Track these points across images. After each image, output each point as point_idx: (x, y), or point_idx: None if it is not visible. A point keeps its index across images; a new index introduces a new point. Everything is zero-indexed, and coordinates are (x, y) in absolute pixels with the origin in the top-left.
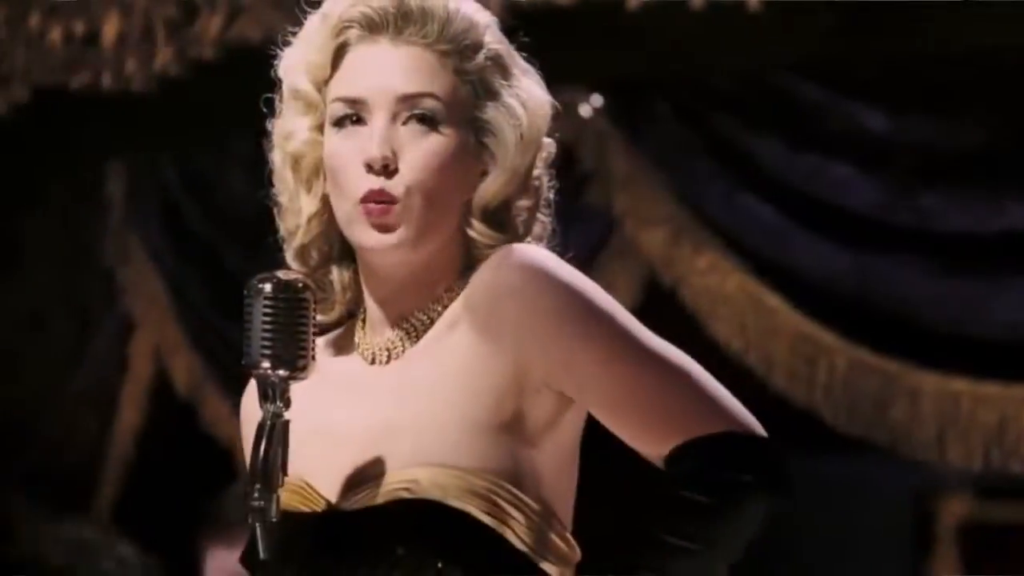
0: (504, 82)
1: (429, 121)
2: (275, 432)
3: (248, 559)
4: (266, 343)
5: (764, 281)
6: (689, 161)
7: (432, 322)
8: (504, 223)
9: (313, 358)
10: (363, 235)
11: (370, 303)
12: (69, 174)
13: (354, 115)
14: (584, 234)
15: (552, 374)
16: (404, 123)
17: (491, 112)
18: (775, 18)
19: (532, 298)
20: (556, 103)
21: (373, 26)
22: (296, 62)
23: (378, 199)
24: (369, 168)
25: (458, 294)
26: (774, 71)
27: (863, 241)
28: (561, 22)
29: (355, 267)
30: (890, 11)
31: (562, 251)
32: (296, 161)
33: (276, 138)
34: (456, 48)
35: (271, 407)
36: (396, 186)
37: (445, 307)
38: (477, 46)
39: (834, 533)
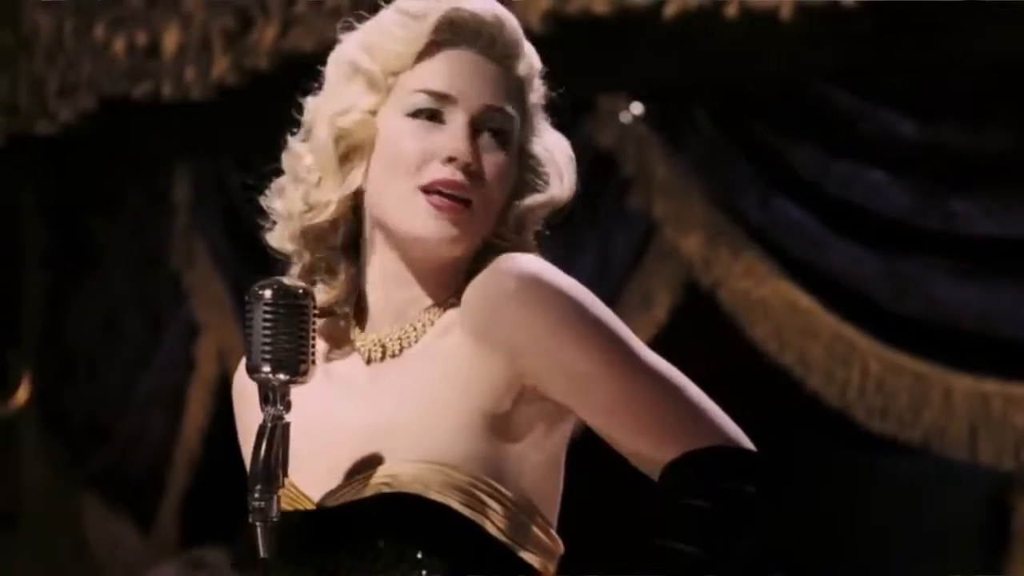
0: (544, 124)
1: (502, 136)
2: (276, 434)
3: (243, 558)
4: (266, 348)
5: (799, 284)
6: (726, 167)
7: (431, 324)
8: (524, 240)
9: (313, 362)
10: (419, 223)
11: (373, 298)
12: (139, 180)
13: (435, 111)
14: (626, 238)
15: (545, 380)
16: (482, 132)
17: (537, 148)
18: (808, 27)
19: (528, 304)
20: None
21: (466, 34)
22: (370, 45)
23: (453, 190)
24: (450, 160)
25: (446, 297)
26: (808, 79)
27: (894, 245)
28: (601, 31)
29: (356, 258)
30: (920, 19)
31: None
32: (342, 137)
33: (325, 110)
34: (525, 77)
35: (272, 410)
36: (474, 189)
37: (432, 315)
38: (535, 85)
39: (908, 531)
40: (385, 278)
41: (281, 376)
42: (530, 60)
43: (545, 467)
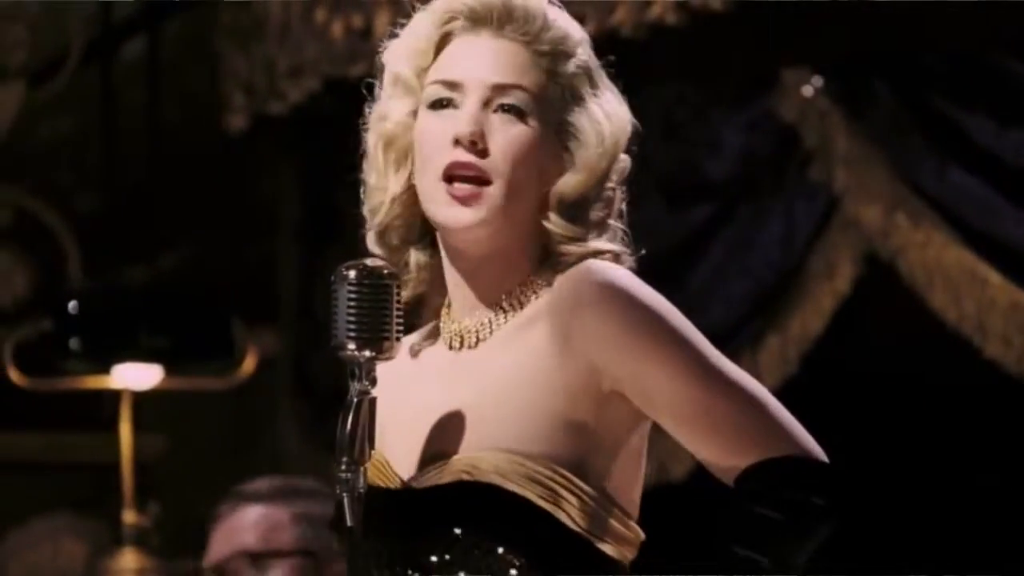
0: (592, 92)
1: (518, 112)
2: (362, 409)
3: (336, 527)
4: (351, 326)
5: (977, 253)
6: (904, 138)
7: (510, 314)
8: (579, 219)
9: (398, 339)
10: (442, 212)
11: (451, 288)
12: None
13: (448, 99)
14: (808, 209)
15: (624, 383)
16: (495, 111)
17: (576, 116)
18: None
19: (610, 311)
20: (637, 123)
21: (477, 19)
22: (401, 50)
23: (465, 172)
24: (457, 143)
25: (535, 288)
26: (983, 49)
27: None
28: (782, 6)
29: (435, 251)
30: None
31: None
32: (388, 143)
33: (372, 119)
34: (551, 51)
35: (358, 385)
36: (489, 165)
37: (522, 302)
38: (570, 54)
39: None
40: (453, 271)
41: (366, 353)
42: (561, 31)
43: (625, 462)
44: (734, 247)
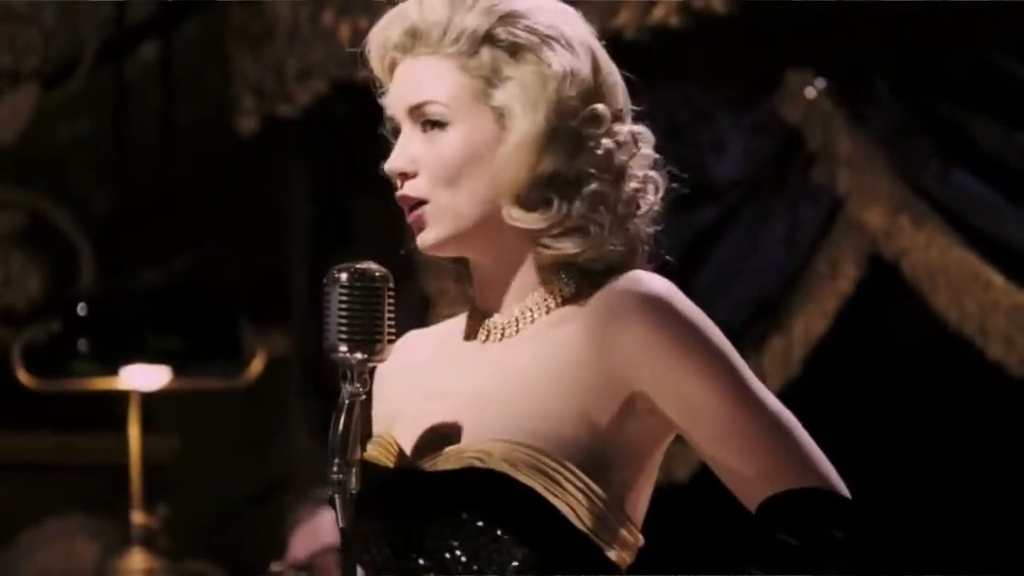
0: (518, 65)
1: (438, 124)
2: (353, 411)
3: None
4: (343, 328)
5: (980, 254)
6: (907, 140)
7: (536, 313)
8: (545, 201)
9: (390, 341)
10: (413, 238)
11: (476, 289)
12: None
13: (395, 131)
14: (812, 210)
15: (655, 393)
16: (424, 130)
17: (499, 97)
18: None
19: (649, 325)
20: (579, 69)
21: (400, 47)
22: (387, 95)
23: (406, 203)
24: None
25: (561, 288)
26: (988, 52)
27: None
28: (785, 8)
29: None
30: None
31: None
32: None
33: None
34: (456, 51)
35: (349, 388)
36: (415, 188)
37: (548, 304)
38: (485, 38)
39: None
40: (475, 275)
41: (358, 355)
42: (466, 21)
43: (640, 474)
44: (738, 249)
